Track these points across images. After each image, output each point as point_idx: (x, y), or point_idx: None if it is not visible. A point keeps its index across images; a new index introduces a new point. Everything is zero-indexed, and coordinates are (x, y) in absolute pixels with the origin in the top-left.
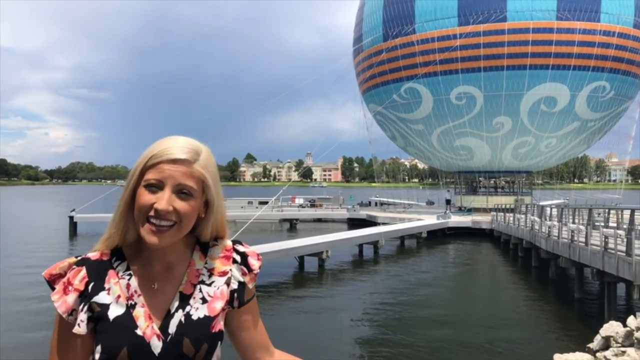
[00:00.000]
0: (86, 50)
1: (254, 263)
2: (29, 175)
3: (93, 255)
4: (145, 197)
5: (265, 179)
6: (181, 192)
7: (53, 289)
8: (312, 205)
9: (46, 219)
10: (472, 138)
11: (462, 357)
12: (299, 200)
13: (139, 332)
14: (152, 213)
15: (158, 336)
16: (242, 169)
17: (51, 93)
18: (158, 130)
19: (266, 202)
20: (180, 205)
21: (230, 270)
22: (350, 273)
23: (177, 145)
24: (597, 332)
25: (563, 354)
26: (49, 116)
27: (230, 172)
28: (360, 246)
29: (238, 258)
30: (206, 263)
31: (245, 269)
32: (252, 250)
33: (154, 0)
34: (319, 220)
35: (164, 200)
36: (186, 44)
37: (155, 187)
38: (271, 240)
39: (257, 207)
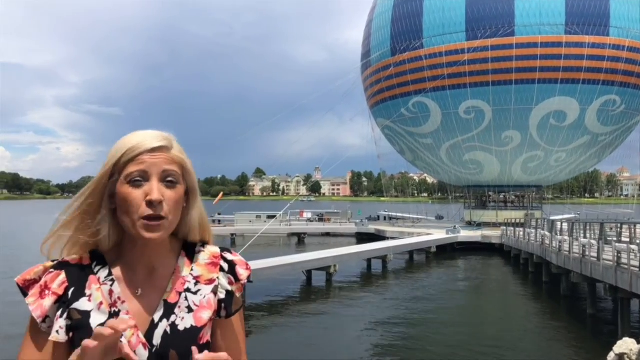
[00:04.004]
0: (96, 67)
1: (242, 272)
2: (41, 189)
3: (72, 259)
4: (134, 193)
5: (274, 194)
6: (167, 180)
7: (26, 294)
8: (321, 220)
9: None
10: (481, 152)
11: None
12: (307, 215)
13: (123, 340)
14: (144, 208)
15: (144, 345)
16: (251, 183)
17: (63, 109)
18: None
19: (274, 216)
20: (169, 194)
21: (217, 278)
22: (358, 288)
23: (150, 135)
24: (611, 349)
25: None
26: (61, 131)
27: (239, 186)
28: (369, 261)
29: (225, 266)
30: (192, 270)
31: (232, 278)
32: (241, 259)
33: (163, 18)
34: (327, 234)
35: (154, 190)
36: (195, 61)
37: (140, 180)
38: (279, 254)
39: (265, 221)
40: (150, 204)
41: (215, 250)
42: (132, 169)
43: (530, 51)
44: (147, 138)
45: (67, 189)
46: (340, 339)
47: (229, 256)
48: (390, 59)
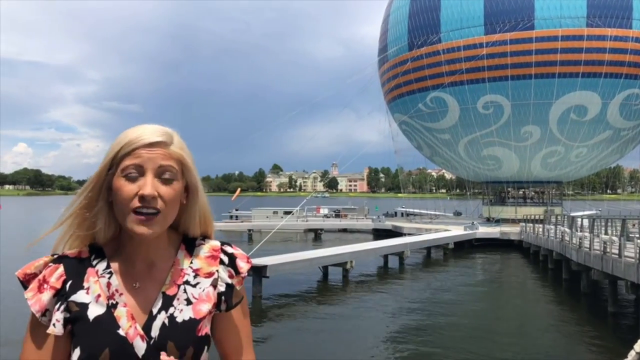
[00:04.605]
0: (116, 65)
1: (243, 265)
2: (62, 185)
3: (71, 252)
4: (127, 187)
5: (291, 189)
6: (163, 176)
7: (26, 288)
8: (337, 216)
9: None
10: (499, 147)
11: None
12: (324, 211)
13: (121, 332)
14: (136, 203)
15: (142, 337)
16: (268, 179)
17: (83, 106)
18: (185, 141)
19: (291, 212)
20: (164, 190)
21: (217, 271)
22: (375, 284)
23: (150, 130)
24: (632, 348)
25: None
26: (81, 128)
27: (256, 182)
28: (385, 257)
29: (225, 259)
30: (192, 263)
31: (232, 271)
32: (242, 252)
33: (180, 15)
34: (344, 230)
35: (148, 185)
36: (212, 58)
37: (135, 174)
38: (295, 249)
39: (282, 217)
40: (142, 198)
41: (216, 243)
42: (127, 162)
43: (551, 45)
44: (145, 132)
45: None
46: (355, 334)
47: (229, 249)
48: (407, 54)
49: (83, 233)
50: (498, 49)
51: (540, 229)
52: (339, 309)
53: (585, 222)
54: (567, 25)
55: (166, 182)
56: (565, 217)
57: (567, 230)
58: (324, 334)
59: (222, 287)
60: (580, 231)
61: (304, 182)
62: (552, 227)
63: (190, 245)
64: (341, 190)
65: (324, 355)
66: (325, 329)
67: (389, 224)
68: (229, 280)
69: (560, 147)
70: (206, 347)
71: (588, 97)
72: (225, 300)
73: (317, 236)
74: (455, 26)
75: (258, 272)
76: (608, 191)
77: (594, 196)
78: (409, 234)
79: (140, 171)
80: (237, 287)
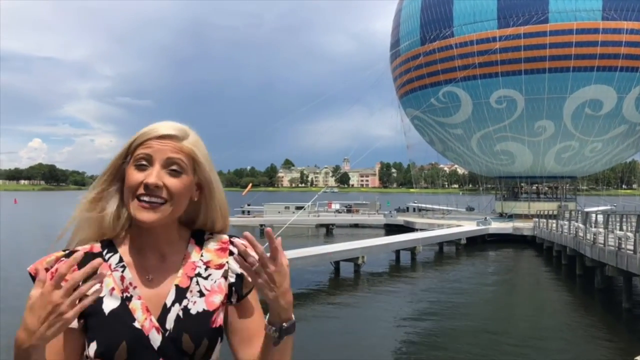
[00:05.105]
0: (128, 60)
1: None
2: (76, 180)
3: (83, 247)
4: (135, 175)
5: (303, 185)
6: (171, 168)
7: None
8: (349, 211)
9: None
10: (513, 142)
11: None
12: (335, 206)
13: (137, 325)
14: (141, 190)
15: (157, 329)
16: (280, 174)
17: (97, 101)
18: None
19: (303, 207)
20: (171, 181)
21: (227, 262)
22: (387, 279)
23: (165, 124)
24: None
25: None
26: (95, 123)
27: (268, 177)
28: (397, 252)
29: (235, 250)
30: (202, 256)
31: None
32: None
33: (193, 12)
34: (356, 225)
35: (152, 175)
36: (224, 53)
37: (144, 163)
38: (307, 245)
39: (293, 212)
40: (146, 187)
41: (224, 236)
42: (139, 152)
43: (565, 38)
44: (160, 126)
45: None
46: (367, 330)
47: (237, 241)
48: (419, 48)
49: (94, 220)
50: (511, 42)
51: (554, 225)
52: (351, 304)
53: (600, 218)
54: (582, 18)
55: (173, 174)
56: (579, 212)
57: (581, 225)
58: (335, 328)
59: (232, 278)
60: (595, 227)
61: (315, 177)
62: (566, 222)
63: (199, 239)
64: (353, 185)
65: (335, 350)
66: (336, 324)
67: (400, 219)
68: (239, 271)
69: (575, 142)
70: (219, 339)
71: (603, 91)
72: (236, 290)
73: (328, 231)
74: (468, 20)
75: None
76: (623, 186)
77: (609, 191)
78: (421, 230)
79: (150, 161)
80: (247, 277)
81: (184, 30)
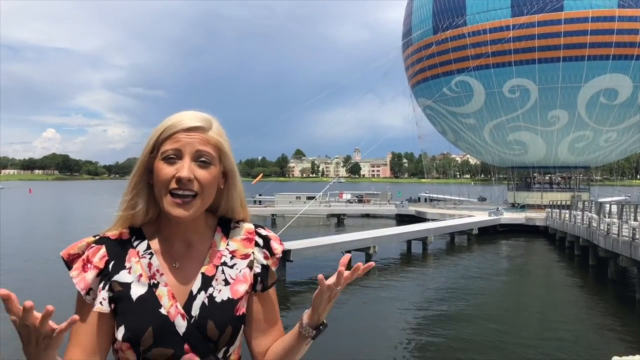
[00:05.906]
0: (141, 51)
1: (277, 247)
2: (89, 170)
3: (112, 234)
4: (165, 169)
5: (314, 175)
6: (200, 160)
7: (70, 268)
8: (360, 201)
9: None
10: (526, 132)
11: (516, 357)
12: (347, 196)
13: (163, 311)
14: (173, 185)
15: (182, 315)
16: (291, 164)
17: (109, 92)
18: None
19: (314, 197)
20: (201, 174)
21: (253, 253)
22: (398, 269)
23: (190, 116)
24: None
25: (622, 356)
26: (108, 114)
27: (279, 167)
28: (409, 242)
29: (260, 241)
30: (228, 245)
31: (267, 253)
32: (275, 234)
33: (205, 2)
34: (367, 215)
35: (184, 168)
36: (236, 43)
37: (174, 157)
38: (318, 234)
39: (305, 202)
40: (179, 181)
41: (250, 226)
42: (167, 146)
43: (580, 26)
44: (185, 118)
45: (114, 170)
46: (377, 321)
47: (263, 232)
48: (432, 37)
49: (125, 214)
50: (525, 31)
51: (567, 215)
52: (361, 294)
53: (614, 208)
54: (597, 6)
55: (203, 165)
56: (593, 202)
57: (595, 216)
58: (346, 318)
59: (257, 269)
60: (609, 217)
61: (326, 167)
62: (579, 212)
63: (226, 228)
64: (364, 175)
65: (345, 340)
66: (347, 314)
67: (412, 209)
68: (265, 262)
69: (589, 132)
70: (242, 327)
71: (619, 80)
72: (261, 281)
73: (339, 221)
74: (482, 8)
75: (282, 256)
76: (638, 176)
77: (623, 182)
78: (433, 220)
79: (179, 154)
80: (272, 269)
81: (195, 20)
